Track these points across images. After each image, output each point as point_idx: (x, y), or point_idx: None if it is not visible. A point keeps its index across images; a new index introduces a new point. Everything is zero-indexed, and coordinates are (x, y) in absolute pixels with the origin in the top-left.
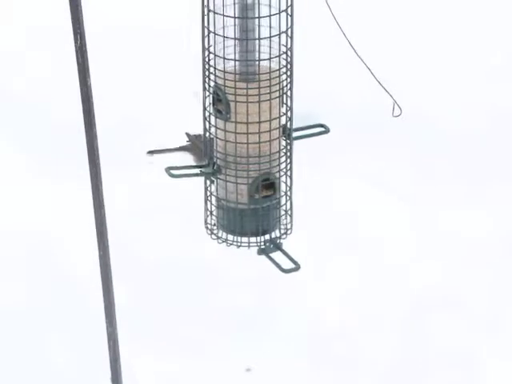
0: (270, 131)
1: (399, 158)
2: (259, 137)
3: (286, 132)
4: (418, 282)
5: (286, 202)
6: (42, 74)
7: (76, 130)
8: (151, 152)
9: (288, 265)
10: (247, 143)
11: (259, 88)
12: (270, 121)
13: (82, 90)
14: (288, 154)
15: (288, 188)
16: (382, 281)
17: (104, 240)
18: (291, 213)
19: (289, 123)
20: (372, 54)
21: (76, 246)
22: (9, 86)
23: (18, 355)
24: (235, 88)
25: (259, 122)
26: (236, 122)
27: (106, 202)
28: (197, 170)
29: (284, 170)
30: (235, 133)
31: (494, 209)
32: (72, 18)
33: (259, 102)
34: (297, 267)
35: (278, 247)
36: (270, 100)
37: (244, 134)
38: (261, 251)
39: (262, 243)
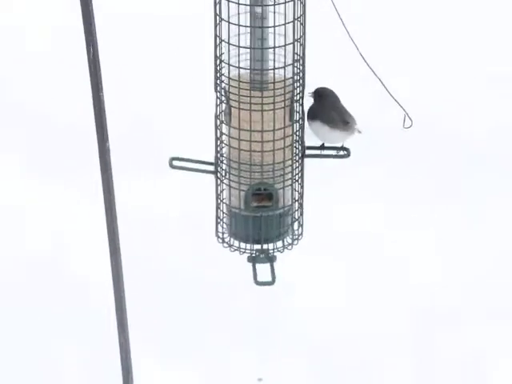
0: (273, 141)
1: (409, 170)
2: (262, 146)
3: (298, 142)
4: (425, 295)
5: (296, 210)
6: (55, 80)
7: (88, 136)
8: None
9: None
10: (250, 151)
11: (262, 97)
12: (274, 131)
13: (94, 103)
14: (299, 162)
15: (299, 197)
16: (388, 291)
17: (116, 249)
18: (302, 221)
19: (300, 131)
20: (382, 64)
21: (88, 254)
22: (19, 94)
23: (29, 365)
24: (239, 95)
25: (262, 131)
26: (239, 129)
27: (117, 210)
28: (198, 166)
29: (290, 181)
30: (238, 139)
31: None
32: (85, 30)
33: (262, 110)
34: (270, 282)
35: (270, 259)
36: (274, 110)
37: (247, 141)
38: (251, 259)
39: (255, 252)
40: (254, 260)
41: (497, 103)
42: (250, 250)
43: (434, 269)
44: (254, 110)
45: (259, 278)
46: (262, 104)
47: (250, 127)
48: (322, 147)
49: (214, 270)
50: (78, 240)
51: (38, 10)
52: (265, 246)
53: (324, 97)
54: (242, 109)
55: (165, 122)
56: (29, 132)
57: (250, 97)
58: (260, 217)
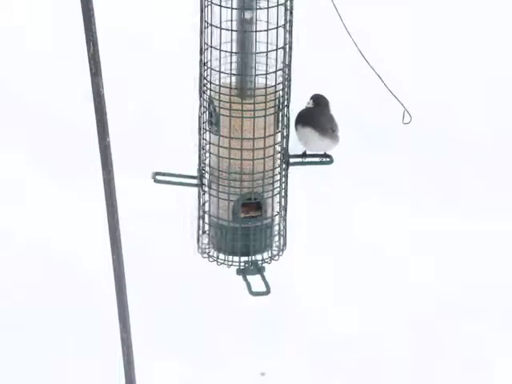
0: (264, 148)
1: (409, 170)
2: (253, 154)
3: (282, 151)
4: (425, 294)
5: (280, 222)
6: (55, 80)
7: (88, 135)
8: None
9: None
10: (241, 159)
11: (254, 104)
12: (264, 139)
13: (94, 99)
14: (283, 173)
15: (282, 208)
16: (388, 291)
17: (117, 245)
18: (284, 234)
19: (285, 141)
20: (381, 60)
21: (89, 251)
22: (19, 94)
23: (32, 360)
24: (230, 102)
25: (245, 139)
26: (230, 138)
27: (118, 207)
28: (181, 180)
29: (278, 190)
30: (229, 148)
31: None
32: (85, 27)
33: (254, 118)
34: (266, 292)
35: (259, 270)
36: (265, 116)
37: (238, 149)
38: (239, 271)
39: (243, 264)
40: (243, 272)
41: (497, 102)
42: (238, 262)
43: (433, 269)
44: (236, 117)
45: (254, 289)
46: (254, 111)
47: (232, 134)
48: (304, 155)
49: (214, 267)
50: (79, 237)
51: (38, 10)
52: (253, 258)
53: (321, 104)
54: (223, 115)
55: (163, 124)
56: (29, 131)
57: (240, 104)
58: (249, 228)
